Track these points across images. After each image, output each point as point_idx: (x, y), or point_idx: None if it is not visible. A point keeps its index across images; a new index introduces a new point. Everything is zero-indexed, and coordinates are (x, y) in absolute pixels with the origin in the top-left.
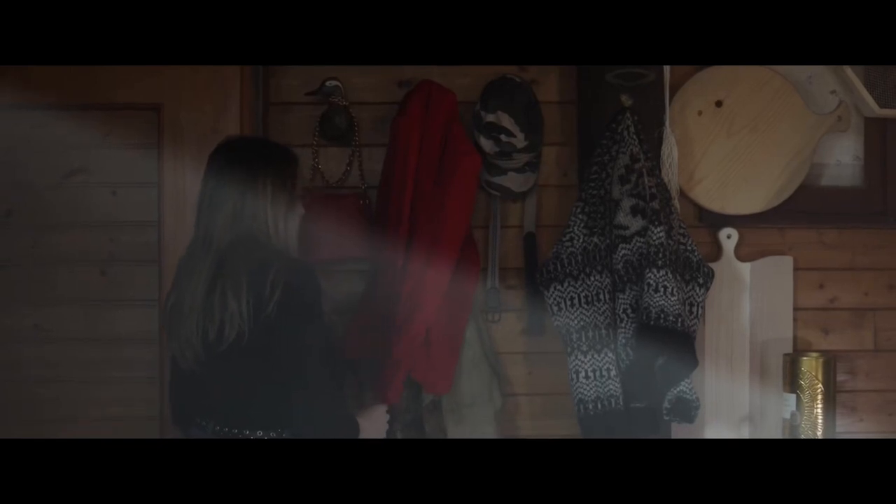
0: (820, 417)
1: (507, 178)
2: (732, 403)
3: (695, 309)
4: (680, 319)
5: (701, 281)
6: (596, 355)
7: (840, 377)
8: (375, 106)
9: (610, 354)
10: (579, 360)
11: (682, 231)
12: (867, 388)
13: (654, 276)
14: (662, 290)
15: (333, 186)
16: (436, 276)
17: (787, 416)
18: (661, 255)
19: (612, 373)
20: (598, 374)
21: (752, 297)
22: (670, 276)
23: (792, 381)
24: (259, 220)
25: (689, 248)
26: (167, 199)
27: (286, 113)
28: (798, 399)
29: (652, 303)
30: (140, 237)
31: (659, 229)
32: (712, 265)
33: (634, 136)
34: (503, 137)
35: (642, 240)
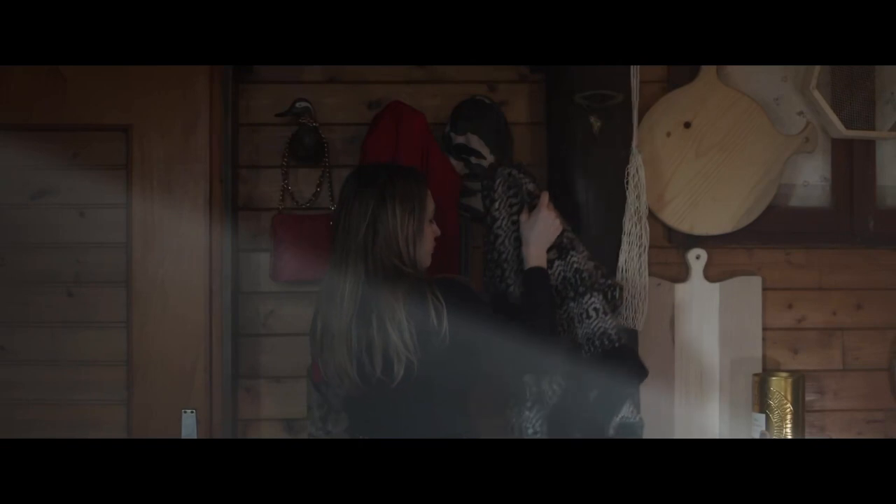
0: (789, 437)
1: (476, 198)
2: (702, 423)
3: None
4: (620, 336)
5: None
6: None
7: (809, 396)
8: (345, 126)
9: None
10: (525, 415)
11: (586, 253)
12: (836, 408)
13: (586, 301)
14: (594, 313)
15: (304, 207)
16: None
17: (757, 435)
18: (580, 281)
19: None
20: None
21: (721, 317)
22: (594, 297)
23: (761, 400)
24: (391, 247)
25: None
26: (136, 220)
27: (256, 134)
28: (767, 419)
29: (591, 331)
30: (108, 259)
31: (576, 256)
32: (681, 285)
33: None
34: (473, 159)
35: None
